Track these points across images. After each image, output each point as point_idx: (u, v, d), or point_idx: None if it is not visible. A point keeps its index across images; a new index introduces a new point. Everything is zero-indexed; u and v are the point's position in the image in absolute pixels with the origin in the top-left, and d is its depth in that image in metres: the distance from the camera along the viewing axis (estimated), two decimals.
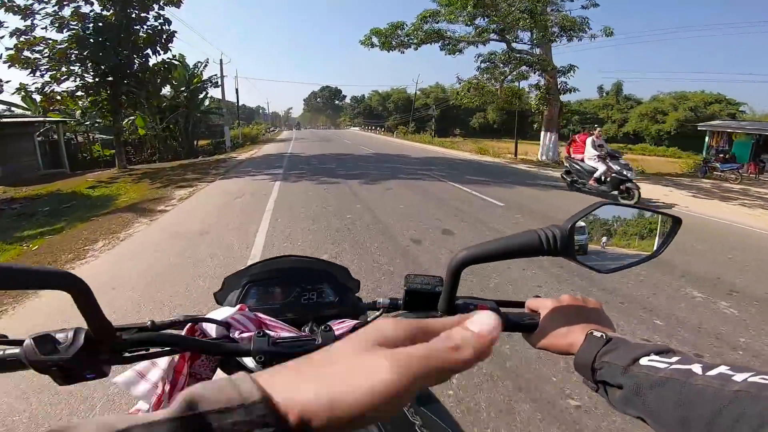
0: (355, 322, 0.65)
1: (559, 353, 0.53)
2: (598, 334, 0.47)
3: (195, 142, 22.47)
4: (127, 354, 0.54)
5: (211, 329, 0.61)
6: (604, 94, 43.59)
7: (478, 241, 0.53)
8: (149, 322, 0.57)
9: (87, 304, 0.46)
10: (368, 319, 0.72)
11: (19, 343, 0.49)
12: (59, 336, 0.49)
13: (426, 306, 0.61)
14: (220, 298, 0.79)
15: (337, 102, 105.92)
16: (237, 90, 36.54)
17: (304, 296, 0.76)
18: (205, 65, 22.37)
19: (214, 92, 47.04)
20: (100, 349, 0.49)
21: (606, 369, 0.43)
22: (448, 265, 0.53)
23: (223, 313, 0.62)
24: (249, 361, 0.61)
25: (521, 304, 0.62)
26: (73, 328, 0.49)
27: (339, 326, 0.63)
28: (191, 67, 22.12)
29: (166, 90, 19.38)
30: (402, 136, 41.14)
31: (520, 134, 22.26)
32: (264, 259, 0.82)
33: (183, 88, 21.16)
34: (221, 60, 25.81)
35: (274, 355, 0.56)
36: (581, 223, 0.53)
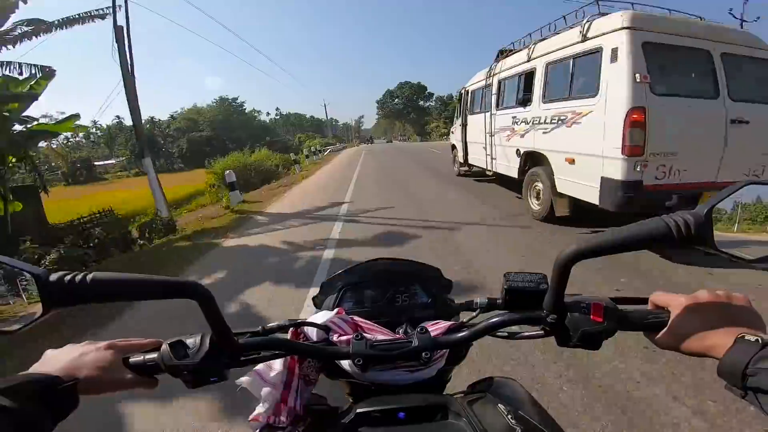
0: (450, 323, 0.65)
1: (693, 355, 0.49)
2: (751, 337, 0.43)
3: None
4: (243, 358, 0.58)
5: (312, 333, 0.64)
6: None
7: None
8: (260, 327, 0.64)
9: (211, 310, 0.51)
10: (463, 321, 0.67)
11: (156, 349, 0.55)
12: (189, 341, 0.54)
13: (528, 305, 0.58)
14: (318, 302, 0.82)
15: (420, 102, 76.81)
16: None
17: (397, 298, 0.78)
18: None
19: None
20: (221, 353, 0.54)
21: (763, 376, 0.40)
22: (556, 260, 0.51)
23: (322, 316, 0.65)
24: (346, 364, 0.62)
25: (642, 301, 0.58)
26: (200, 333, 0.54)
27: (434, 328, 0.63)
28: None
29: None
30: None
31: None
32: (358, 263, 0.82)
33: None
34: (324, 104, 33.20)
35: (371, 357, 0.58)
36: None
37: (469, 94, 8.26)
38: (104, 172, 68.11)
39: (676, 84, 3.52)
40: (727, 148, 3.45)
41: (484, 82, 7.07)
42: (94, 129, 75.66)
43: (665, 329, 0.51)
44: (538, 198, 5.12)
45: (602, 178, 3.63)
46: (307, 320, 0.66)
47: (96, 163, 72.73)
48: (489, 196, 7.27)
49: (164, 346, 0.54)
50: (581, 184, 4.01)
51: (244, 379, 0.63)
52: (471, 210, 6.24)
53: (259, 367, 0.63)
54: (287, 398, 0.62)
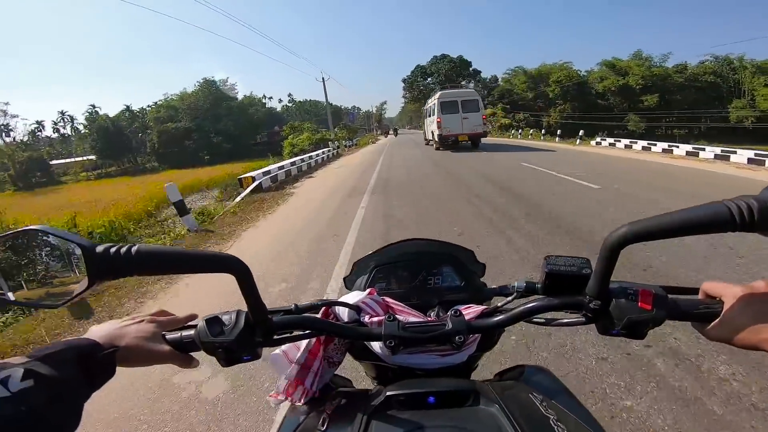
0: (483, 307, 0.64)
1: (746, 348, 0.48)
2: None
3: None
4: (276, 336, 0.58)
5: (343, 313, 0.64)
6: None
7: None
8: (293, 306, 0.63)
9: (248, 286, 0.51)
10: (498, 305, 0.65)
11: (193, 326, 0.56)
12: (225, 318, 0.54)
13: (569, 290, 0.56)
14: (348, 283, 0.82)
15: (462, 82, 51.86)
16: None
17: (429, 280, 0.77)
18: None
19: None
20: (255, 331, 0.54)
21: None
22: (604, 242, 0.49)
23: (353, 297, 0.65)
24: (377, 346, 0.62)
25: (693, 291, 0.57)
26: (236, 311, 0.55)
27: (467, 311, 0.62)
28: None
29: None
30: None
31: None
32: (390, 243, 0.82)
33: None
34: (323, 78, 26.23)
35: (404, 340, 0.57)
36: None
37: (424, 109, 24.26)
38: (62, 174, 54.74)
39: (448, 109, 17.12)
40: (462, 125, 17.15)
41: (426, 106, 22.35)
42: (59, 122, 62.28)
43: (717, 320, 0.50)
44: (427, 142, 22.85)
45: (434, 133, 18.13)
46: (338, 300, 0.65)
47: (54, 162, 59.88)
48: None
49: (200, 323, 0.54)
50: (432, 136, 19.44)
51: (271, 358, 0.64)
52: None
53: (287, 346, 0.64)
54: (307, 378, 0.63)
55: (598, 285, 0.51)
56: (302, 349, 0.63)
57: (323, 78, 27.16)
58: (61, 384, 0.42)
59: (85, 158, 58.17)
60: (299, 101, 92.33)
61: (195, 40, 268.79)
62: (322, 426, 0.55)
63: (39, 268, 0.52)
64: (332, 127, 28.55)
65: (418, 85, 56.32)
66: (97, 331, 0.54)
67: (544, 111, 40.08)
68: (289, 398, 0.63)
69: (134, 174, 51.09)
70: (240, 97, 62.33)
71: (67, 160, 59.53)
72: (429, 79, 55.83)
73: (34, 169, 50.73)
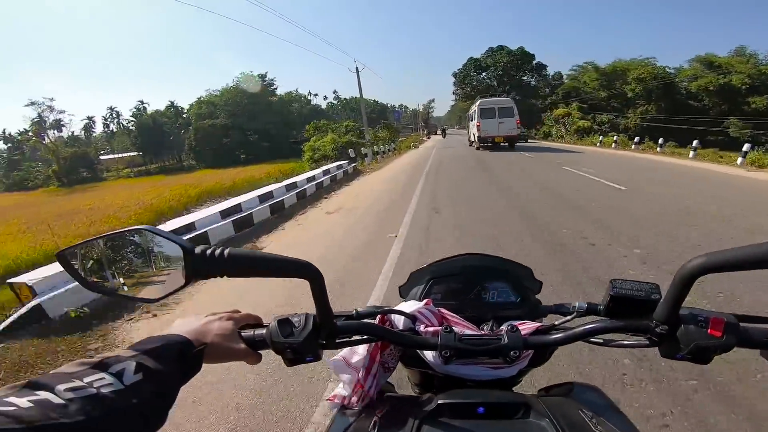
0: (538, 324, 0.64)
1: None
2: None
3: None
4: (338, 340, 0.60)
5: (399, 321, 0.65)
6: None
7: None
8: (354, 311, 0.67)
9: (320, 291, 0.54)
10: (555, 323, 0.66)
11: (262, 326, 0.60)
12: (294, 320, 0.57)
13: (633, 313, 0.56)
14: (403, 292, 0.83)
15: (524, 77, 46.17)
16: None
17: (484, 294, 0.77)
18: None
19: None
20: (320, 334, 0.57)
21: None
22: (680, 270, 0.49)
23: (410, 306, 0.66)
24: (429, 354, 0.64)
25: (765, 320, 0.54)
26: (305, 314, 0.57)
27: (523, 327, 0.63)
28: None
29: None
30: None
31: None
32: (448, 257, 0.83)
33: None
34: (357, 68, 22.34)
35: (459, 351, 0.58)
36: None
37: (467, 114, 27.75)
38: (106, 170, 54.97)
39: (486, 115, 19.52)
40: (499, 128, 19.49)
41: (469, 111, 26.42)
42: (109, 117, 63.12)
43: None
44: (470, 143, 23.74)
45: (475, 135, 20.85)
46: (395, 308, 0.67)
47: (104, 157, 60.59)
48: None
49: (273, 323, 0.57)
50: (472, 138, 22.61)
51: (331, 360, 0.66)
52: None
53: (345, 350, 0.66)
54: (365, 383, 0.63)
55: (669, 310, 0.52)
56: (363, 354, 0.65)
57: (357, 68, 22.81)
58: (163, 378, 0.44)
59: (127, 155, 58.32)
60: (344, 99, 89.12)
61: (241, 37, 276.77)
62: (373, 429, 0.56)
63: (137, 264, 0.56)
64: (367, 126, 23.89)
65: (471, 80, 48.53)
66: (184, 326, 0.56)
67: (620, 112, 34.48)
68: (347, 401, 0.64)
69: (170, 172, 50.08)
70: (281, 93, 59.58)
71: (114, 156, 60.10)
72: (484, 73, 48.21)
73: (78, 166, 51.19)
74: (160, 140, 55.05)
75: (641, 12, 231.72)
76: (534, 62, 46.22)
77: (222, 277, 0.50)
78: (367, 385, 0.63)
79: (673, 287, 0.50)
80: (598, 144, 22.62)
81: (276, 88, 57.24)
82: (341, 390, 0.65)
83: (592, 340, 0.60)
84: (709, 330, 0.50)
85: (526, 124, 41.44)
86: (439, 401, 0.57)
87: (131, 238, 0.56)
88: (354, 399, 0.63)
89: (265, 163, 39.56)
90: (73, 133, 58.99)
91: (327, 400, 0.69)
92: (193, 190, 28.59)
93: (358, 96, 24.27)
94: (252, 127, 49.95)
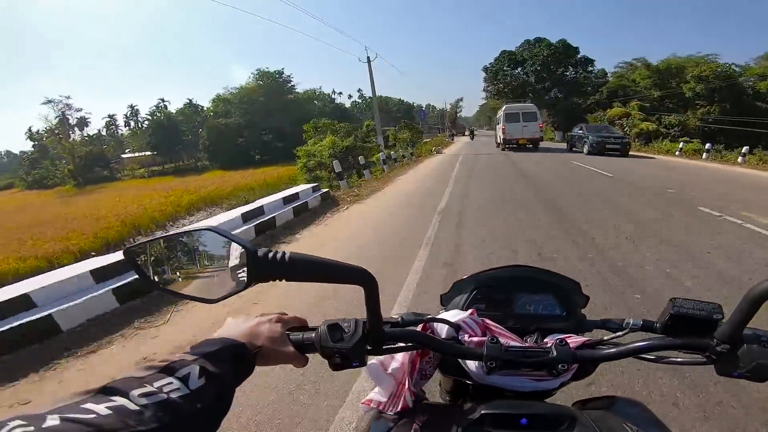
0: (585, 338, 0.64)
1: None
2: None
3: None
4: (384, 347, 0.59)
5: (442, 330, 0.64)
6: None
7: None
8: (400, 318, 0.65)
9: (373, 298, 0.54)
10: (605, 338, 0.65)
11: (309, 329, 0.60)
12: (344, 325, 0.57)
13: (691, 331, 0.56)
14: (445, 300, 0.82)
15: (566, 72, 39.84)
16: None
17: (530, 306, 0.76)
18: None
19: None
20: (368, 340, 0.56)
21: None
22: (750, 290, 0.49)
23: (453, 315, 0.66)
24: (472, 364, 0.64)
25: None
26: (355, 319, 0.57)
27: (571, 341, 0.62)
28: None
29: None
30: None
31: None
32: (494, 267, 0.82)
33: None
34: (368, 58, 19.15)
35: (505, 363, 0.58)
36: None
37: (495, 118, 27.03)
38: (122, 169, 53.97)
39: (511, 119, 20.49)
40: (522, 131, 20.33)
41: (496, 115, 24.69)
42: (128, 116, 62.38)
43: None
44: (497, 145, 23.22)
45: (500, 137, 21.23)
46: (440, 317, 0.66)
47: (125, 155, 59.80)
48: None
49: (322, 327, 0.57)
50: (498, 140, 22.68)
51: (370, 366, 0.65)
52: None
53: (383, 356, 0.66)
54: (404, 389, 0.63)
55: (732, 330, 0.52)
56: (401, 360, 0.65)
57: (368, 57, 19.17)
58: (223, 382, 0.45)
59: (142, 154, 57.20)
60: (368, 98, 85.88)
61: (268, 33, 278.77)
62: None
63: (200, 264, 0.57)
64: (380, 126, 20.19)
65: (504, 76, 42.05)
66: (235, 327, 0.56)
67: (676, 113, 29.74)
68: (383, 407, 0.64)
69: (184, 173, 48.26)
70: (300, 91, 56.70)
71: (133, 155, 59.21)
72: (519, 68, 41.71)
73: (94, 165, 50.38)
74: (174, 139, 53.45)
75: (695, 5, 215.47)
76: (578, 56, 40.65)
77: (281, 280, 0.50)
78: (408, 392, 0.63)
79: (740, 307, 0.50)
80: (678, 152, 17.63)
81: (294, 86, 54.27)
82: (377, 395, 0.65)
83: (644, 355, 0.59)
84: None
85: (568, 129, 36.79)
86: (483, 411, 0.56)
87: (196, 238, 0.56)
88: (390, 405, 0.63)
89: (279, 164, 37.00)
90: (86, 132, 58.48)
91: (362, 403, 0.67)
92: (187, 198, 26.12)
93: (372, 91, 20.43)
94: (268, 127, 47.24)
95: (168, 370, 0.41)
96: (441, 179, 10.95)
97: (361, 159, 14.07)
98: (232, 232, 0.55)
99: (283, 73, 52.17)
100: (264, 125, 47.13)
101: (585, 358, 0.60)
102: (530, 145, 20.89)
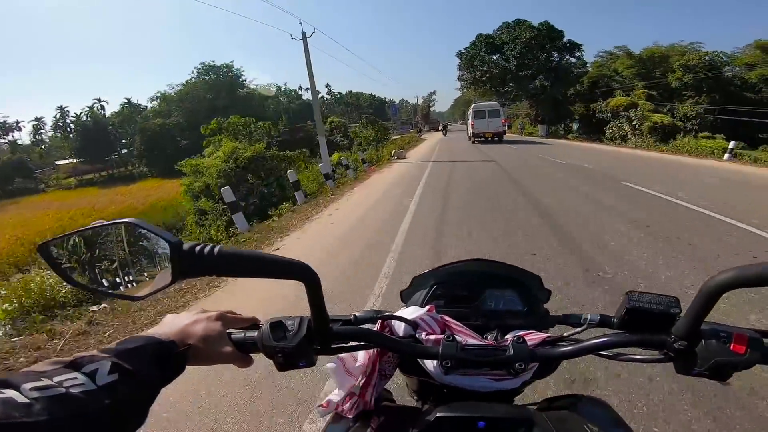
0: (545, 335, 0.62)
1: None
2: None
3: None
4: (333, 346, 0.58)
5: (400, 327, 0.62)
6: None
7: None
8: (352, 316, 0.63)
9: (315, 295, 0.52)
10: (564, 334, 0.63)
11: (258, 328, 0.56)
12: (288, 323, 0.54)
13: (649, 327, 0.54)
14: (405, 297, 0.79)
15: (550, 57, 34.61)
16: None
17: (491, 302, 0.75)
18: None
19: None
20: (314, 339, 0.55)
21: None
22: (705, 284, 0.48)
23: (412, 312, 0.64)
24: (430, 363, 0.62)
25: None
26: (299, 317, 0.55)
27: (530, 338, 0.60)
28: None
29: None
30: None
31: None
32: (453, 261, 0.80)
33: None
34: (303, 33, 13.86)
35: (461, 361, 0.56)
36: None
37: (466, 114, 32.86)
38: (47, 179, 46.64)
39: (478, 116, 25.34)
40: (488, 126, 24.91)
41: (468, 112, 29.49)
42: (57, 119, 54.48)
43: None
44: (469, 138, 27.87)
45: (471, 131, 26.61)
46: (396, 314, 0.64)
47: (59, 161, 52.25)
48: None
49: (265, 326, 0.55)
50: (468, 133, 28.09)
51: (329, 366, 0.63)
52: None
53: (344, 355, 0.64)
54: (365, 391, 0.61)
55: (690, 326, 0.50)
56: (362, 360, 0.63)
57: (303, 33, 13.80)
58: (141, 379, 0.43)
59: (68, 161, 49.84)
60: (337, 93, 79.96)
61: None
62: None
63: (123, 259, 0.54)
64: (321, 123, 14.75)
65: (482, 63, 36.56)
66: (171, 324, 0.54)
67: (661, 104, 26.75)
68: (340, 410, 0.62)
69: (117, 182, 41.66)
70: (255, 86, 50.35)
71: (63, 162, 51.69)
72: (497, 54, 36.54)
73: (14, 175, 43.23)
74: (106, 144, 46.39)
75: None
76: (564, 40, 35.78)
77: (211, 275, 0.48)
78: (368, 394, 0.62)
79: (696, 301, 0.49)
80: (726, 157, 12.71)
81: (245, 80, 48.01)
82: (335, 397, 0.62)
83: (602, 352, 0.58)
84: (731, 346, 0.49)
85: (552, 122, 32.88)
86: (438, 414, 0.55)
87: (116, 231, 0.53)
88: (347, 406, 0.61)
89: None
90: (6, 138, 50.58)
91: (319, 406, 0.64)
92: (81, 219, 20.71)
93: (309, 75, 14.94)
94: (204, 125, 40.98)
95: (74, 365, 0.40)
96: (383, 228, 5.66)
97: (290, 174, 9.02)
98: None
99: (232, 66, 45.99)
100: (205, 124, 40.87)
101: (542, 356, 0.58)
102: (496, 138, 24.71)
